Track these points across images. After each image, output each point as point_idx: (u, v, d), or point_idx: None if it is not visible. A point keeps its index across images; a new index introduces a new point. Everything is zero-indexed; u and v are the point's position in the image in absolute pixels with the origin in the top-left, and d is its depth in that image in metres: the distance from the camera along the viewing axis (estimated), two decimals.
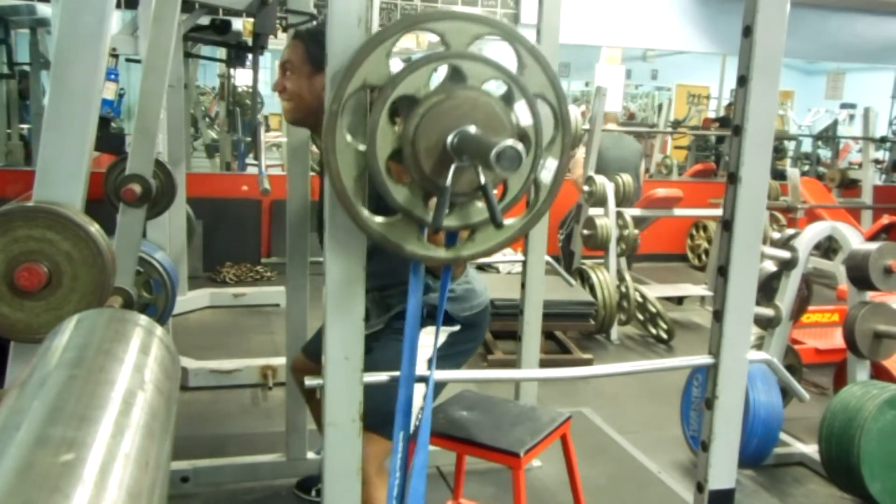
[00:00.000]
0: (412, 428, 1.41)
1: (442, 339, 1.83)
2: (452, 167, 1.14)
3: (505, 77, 1.20)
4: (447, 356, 1.85)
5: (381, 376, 1.39)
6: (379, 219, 1.23)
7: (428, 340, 1.45)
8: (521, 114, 1.21)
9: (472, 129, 1.14)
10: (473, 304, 1.95)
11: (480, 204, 1.22)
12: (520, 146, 1.04)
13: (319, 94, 1.89)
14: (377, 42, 1.17)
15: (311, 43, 1.96)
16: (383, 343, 1.86)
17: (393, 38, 1.17)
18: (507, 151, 1.03)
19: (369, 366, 1.36)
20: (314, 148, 2.80)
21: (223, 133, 7.41)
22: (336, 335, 1.31)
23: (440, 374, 1.47)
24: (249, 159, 7.51)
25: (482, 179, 1.13)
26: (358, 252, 1.29)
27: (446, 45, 1.18)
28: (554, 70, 1.25)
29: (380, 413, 1.45)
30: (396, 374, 1.36)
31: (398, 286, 1.85)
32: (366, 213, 1.22)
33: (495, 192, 1.18)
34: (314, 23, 2.60)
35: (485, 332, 2.06)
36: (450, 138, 1.14)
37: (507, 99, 1.20)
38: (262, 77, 4.27)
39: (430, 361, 1.42)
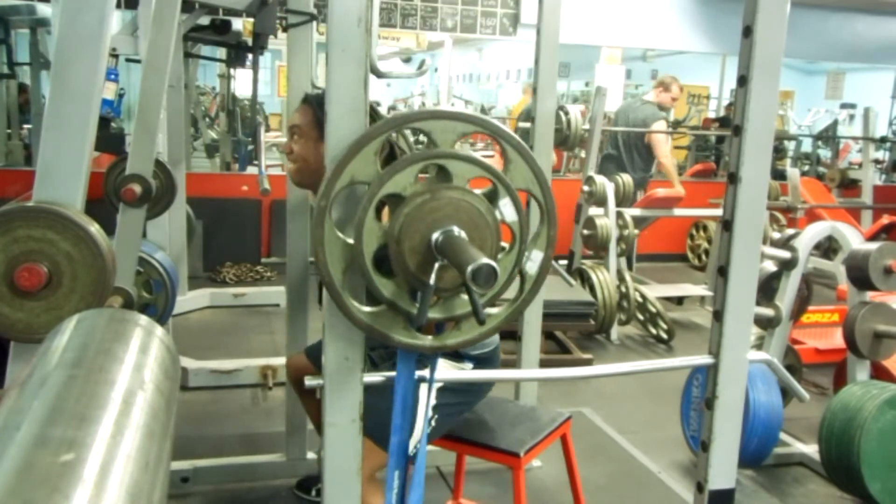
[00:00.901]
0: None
1: (453, 374, 1.85)
2: (436, 266, 1.18)
3: (490, 175, 1.24)
4: (459, 391, 1.86)
5: (383, 377, 1.39)
6: (366, 309, 1.27)
7: (442, 374, 1.51)
8: (506, 210, 1.25)
9: (455, 229, 1.17)
10: (485, 343, 1.93)
11: (465, 296, 1.26)
12: (494, 264, 1.06)
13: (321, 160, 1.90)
14: (365, 141, 1.21)
15: (320, 109, 1.97)
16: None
17: (381, 138, 1.21)
18: (482, 270, 1.06)
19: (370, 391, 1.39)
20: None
21: (223, 133, 7.41)
22: (336, 335, 1.31)
23: (444, 374, 1.48)
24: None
25: (467, 278, 1.16)
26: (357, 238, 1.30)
27: (433, 144, 1.22)
28: (539, 165, 1.29)
29: (379, 424, 1.47)
30: (392, 374, 1.37)
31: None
32: (353, 303, 1.26)
33: None
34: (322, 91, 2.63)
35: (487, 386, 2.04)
36: (434, 238, 1.17)
37: (492, 195, 1.24)
38: (261, 77, 4.27)
39: (439, 393, 1.43)
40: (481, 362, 1.93)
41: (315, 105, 2.03)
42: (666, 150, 5.30)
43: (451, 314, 1.28)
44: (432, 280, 1.18)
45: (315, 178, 2.00)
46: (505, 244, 1.27)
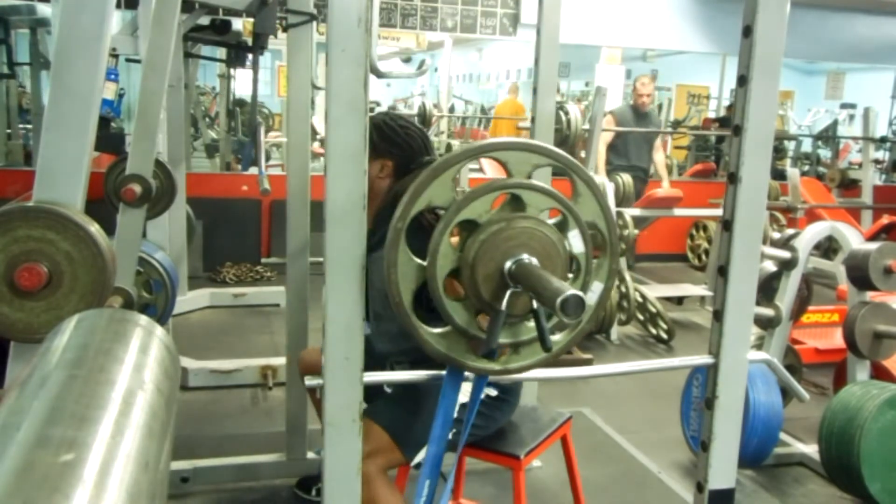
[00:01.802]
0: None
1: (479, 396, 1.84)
2: (508, 293, 1.21)
3: (561, 207, 1.27)
4: (481, 415, 1.85)
5: (383, 376, 1.40)
6: (435, 330, 1.29)
7: (466, 392, 1.51)
8: (574, 241, 1.28)
9: (526, 258, 1.20)
10: None
11: (528, 323, 1.28)
12: (582, 295, 1.09)
13: (372, 179, 1.84)
14: (444, 167, 1.23)
15: (379, 137, 1.91)
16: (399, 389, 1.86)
17: (459, 166, 1.24)
18: (571, 300, 1.08)
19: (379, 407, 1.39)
20: (315, 146, 2.80)
21: (223, 133, 7.41)
22: (336, 335, 1.31)
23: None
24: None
25: (535, 306, 1.21)
26: (360, 235, 1.30)
27: (509, 173, 1.25)
28: (606, 199, 1.33)
29: (407, 430, 1.48)
30: (395, 374, 1.37)
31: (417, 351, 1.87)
32: (419, 323, 1.28)
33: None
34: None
35: (517, 403, 2.03)
36: (507, 265, 1.20)
37: (562, 226, 1.27)
38: (261, 77, 4.27)
39: (458, 420, 1.44)
40: (506, 391, 1.93)
41: (374, 134, 1.89)
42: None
43: (516, 339, 1.31)
44: (504, 306, 1.20)
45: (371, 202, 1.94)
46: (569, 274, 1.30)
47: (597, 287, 1.34)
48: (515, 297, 1.22)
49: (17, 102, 7.15)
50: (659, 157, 5.88)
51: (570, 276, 1.31)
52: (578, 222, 1.28)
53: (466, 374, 1.40)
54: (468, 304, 1.26)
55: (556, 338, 1.34)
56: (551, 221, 1.28)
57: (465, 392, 1.49)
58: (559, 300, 1.07)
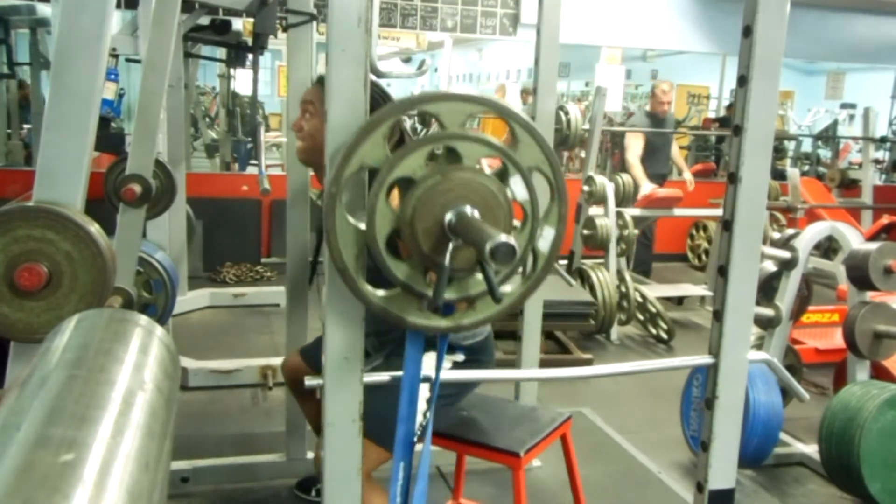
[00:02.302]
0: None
1: (446, 366, 1.82)
2: (450, 246, 1.18)
3: (499, 154, 1.24)
4: (453, 386, 1.85)
5: (383, 376, 1.39)
6: (381, 293, 1.27)
7: (429, 364, 1.47)
8: (518, 188, 1.25)
9: (468, 209, 1.17)
10: (476, 332, 1.93)
11: (479, 275, 1.26)
12: (513, 242, 1.06)
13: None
14: (374, 126, 1.21)
15: None
16: (383, 367, 1.85)
17: (389, 122, 1.22)
18: (500, 248, 1.05)
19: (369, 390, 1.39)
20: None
21: (223, 133, 7.41)
22: (336, 335, 1.31)
23: (443, 375, 1.48)
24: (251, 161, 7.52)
25: (481, 258, 1.16)
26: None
27: (441, 126, 1.22)
28: (549, 144, 1.29)
29: (380, 422, 1.46)
30: (398, 373, 1.37)
31: (398, 330, 1.85)
32: (368, 288, 1.26)
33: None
34: None
35: (489, 363, 2.03)
36: (447, 218, 1.17)
37: (503, 175, 1.24)
38: (261, 77, 4.27)
39: (429, 398, 1.43)
40: (474, 352, 1.92)
41: None
42: (630, 155, 5.42)
43: (465, 294, 1.28)
44: (447, 261, 1.18)
45: (321, 157, 1.97)
46: (517, 223, 1.26)
47: (548, 233, 1.31)
48: (458, 250, 1.19)
49: (18, 98, 7.13)
50: (675, 151, 5.95)
51: (517, 224, 1.27)
52: (519, 169, 1.24)
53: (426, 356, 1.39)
54: (413, 262, 1.23)
55: (508, 289, 1.31)
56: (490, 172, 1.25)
57: (429, 367, 1.47)
58: (488, 246, 1.05)
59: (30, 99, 6.98)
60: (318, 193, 3.26)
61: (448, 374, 1.74)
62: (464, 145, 1.21)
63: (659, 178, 5.57)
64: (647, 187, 5.20)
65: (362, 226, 1.22)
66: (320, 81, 2.09)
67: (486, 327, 1.98)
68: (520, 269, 1.33)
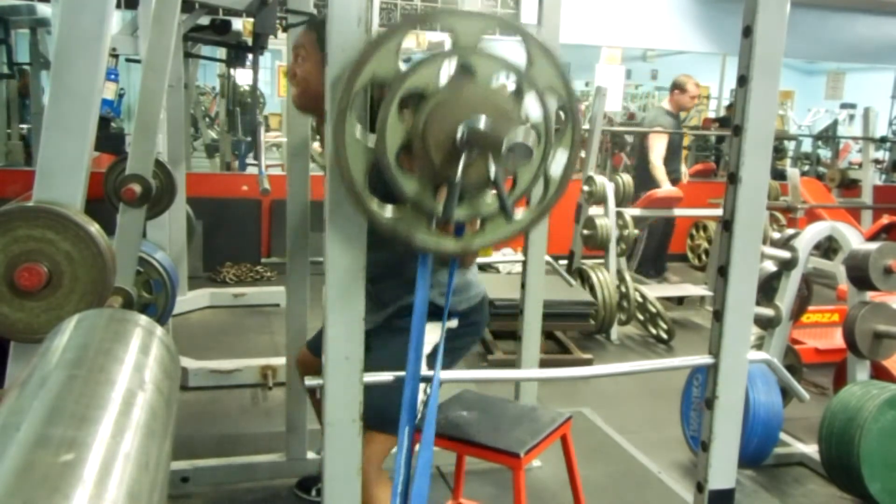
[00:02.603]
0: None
1: (434, 332, 1.81)
2: (462, 160, 1.15)
3: (514, 72, 1.21)
4: (446, 351, 1.83)
5: (385, 376, 1.39)
6: (389, 211, 1.24)
7: (429, 338, 1.45)
8: (531, 108, 1.21)
9: (482, 121, 1.14)
10: (470, 296, 1.92)
11: (490, 195, 1.23)
12: (531, 137, 1.04)
13: (318, 74, 1.87)
14: (387, 37, 1.18)
15: (325, 30, 1.93)
16: (383, 341, 1.84)
17: (402, 34, 1.19)
18: (518, 145, 1.04)
19: (370, 365, 1.36)
20: (315, 146, 2.78)
21: (223, 133, 7.41)
22: (336, 335, 1.31)
23: (443, 374, 1.47)
24: (249, 159, 7.52)
25: (493, 172, 1.14)
26: (360, 247, 1.30)
27: (456, 42, 1.19)
28: (563, 66, 1.26)
29: (381, 412, 1.45)
30: (401, 373, 1.36)
31: (392, 279, 1.84)
32: (376, 205, 1.23)
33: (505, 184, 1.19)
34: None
35: (484, 326, 2.02)
36: (459, 131, 1.14)
37: (517, 94, 1.21)
38: (261, 77, 4.27)
39: (431, 358, 1.41)
40: (467, 315, 1.90)
41: (320, 27, 1.95)
42: (654, 156, 5.33)
43: (476, 213, 1.25)
44: (459, 175, 1.15)
45: (317, 103, 1.87)
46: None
47: (561, 157, 1.28)
48: (470, 165, 1.16)
49: (18, 87, 7.12)
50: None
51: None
52: (534, 86, 1.21)
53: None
54: (423, 179, 1.20)
55: (520, 215, 1.30)
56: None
57: (430, 342, 1.45)
58: (506, 143, 1.03)
59: (29, 89, 6.97)
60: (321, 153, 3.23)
61: (449, 374, 1.73)
62: (478, 61, 1.18)
63: (672, 181, 5.50)
64: (667, 189, 5.17)
65: (372, 142, 1.19)
66: (310, 25, 2.06)
67: (479, 291, 1.96)
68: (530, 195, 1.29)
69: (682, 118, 10.01)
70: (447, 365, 1.91)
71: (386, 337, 1.85)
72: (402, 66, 1.18)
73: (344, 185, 1.22)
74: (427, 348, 1.57)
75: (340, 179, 1.22)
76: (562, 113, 1.28)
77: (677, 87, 5.46)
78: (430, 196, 1.22)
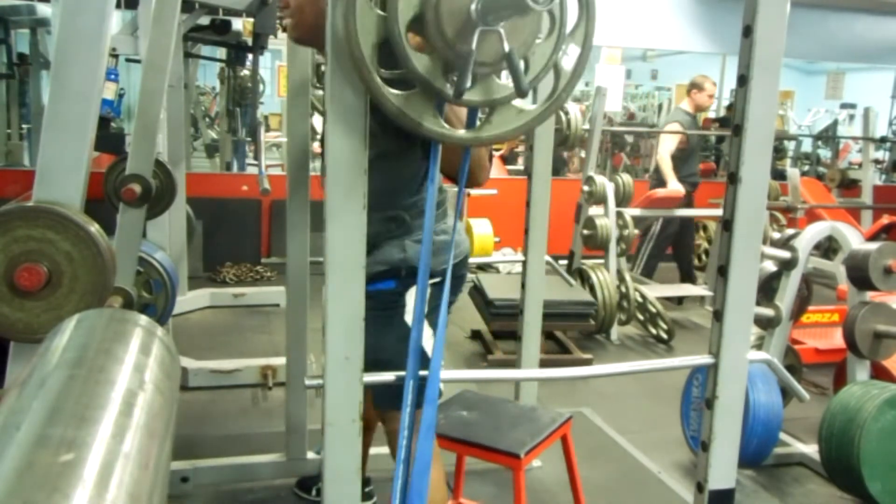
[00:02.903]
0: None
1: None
2: (477, 31, 1.11)
3: None
4: (431, 311, 1.73)
5: (387, 376, 1.39)
6: (396, 91, 1.20)
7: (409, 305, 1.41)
8: None
9: None
10: (451, 256, 1.87)
11: (501, 80, 1.20)
12: None
13: (322, 8, 1.77)
14: None
15: None
16: (375, 321, 1.75)
17: None
18: None
19: (374, 356, 1.35)
20: (315, 146, 2.77)
21: (223, 133, 7.41)
22: (336, 335, 1.31)
23: (443, 375, 1.47)
24: (249, 159, 7.52)
25: (507, 47, 1.11)
26: (359, 247, 1.29)
27: None
28: None
29: (392, 390, 1.44)
30: (402, 373, 1.36)
31: (377, 212, 1.61)
32: (382, 84, 1.18)
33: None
34: None
35: (462, 284, 1.94)
36: (474, 3, 1.11)
37: None
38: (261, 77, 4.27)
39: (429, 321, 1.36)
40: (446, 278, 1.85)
41: None
42: (662, 149, 5.32)
43: (487, 97, 1.22)
44: (474, 45, 1.10)
45: (315, 32, 1.77)
46: (541, 36, 1.21)
47: (573, 51, 1.24)
48: (485, 37, 1.11)
49: (19, 74, 7.12)
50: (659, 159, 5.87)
51: (541, 37, 1.21)
52: None
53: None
54: (435, 56, 1.16)
55: (531, 107, 1.26)
56: None
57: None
58: None
59: (28, 77, 6.98)
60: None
61: (449, 373, 1.73)
62: None
63: (690, 185, 5.40)
64: (673, 185, 5.12)
65: (383, 12, 1.14)
66: None
67: (462, 250, 1.87)
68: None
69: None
70: (431, 325, 1.78)
71: (375, 314, 1.76)
72: None
73: (352, 60, 1.16)
74: (408, 317, 1.56)
75: (348, 55, 1.16)
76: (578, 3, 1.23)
77: (695, 86, 5.40)
78: (440, 76, 1.18)
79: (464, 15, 1.12)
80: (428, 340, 1.40)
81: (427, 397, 1.30)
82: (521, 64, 1.20)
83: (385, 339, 1.66)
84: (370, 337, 1.50)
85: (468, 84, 1.14)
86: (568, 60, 1.25)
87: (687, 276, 5.70)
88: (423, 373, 1.36)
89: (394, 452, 1.45)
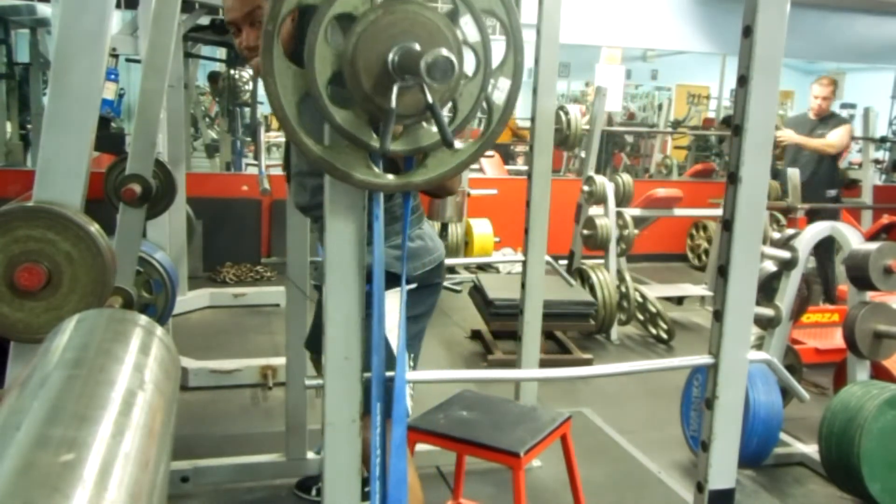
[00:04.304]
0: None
1: (395, 298, 1.69)
2: (395, 87, 1.10)
3: None
4: (409, 320, 1.73)
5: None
6: (322, 144, 1.19)
7: (392, 307, 1.41)
8: (468, 29, 1.17)
9: (416, 46, 1.09)
10: (426, 262, 1.86)
11: (431, 128, 1.19)
12: (452, 56, 1.00)
13: None
14: None
15: None
16: None
17: None
18: (437, 62, 1.00)
19: None
20: None
21: (223, 133, 7.42)
22: (336, 335, 1.31)
23: (444, 374, 1.47)
24: (248, 159, 7.52)
25: (429, 98, 1.09)
26: (360, 247, 1.29)
27: None
28: None
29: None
30: (368, 374, 1.35)
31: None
32: (308, 139, 1.18)
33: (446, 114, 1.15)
34: None
35: (439, 290, 1.95)
36: (391, 56, 1.09)
37: (453, 15, 1.16)
38: None
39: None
40: (423, 285, 1.84)
41: None
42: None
43: (416, 146, 1.20)
44: (393, 102, 1.09)
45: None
46: (469, 72, 1.19)
47: (503, 84, 1.22)
48: (405, 92, 1.10)
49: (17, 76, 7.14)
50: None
51: (469, 74, 1.19)
52: (470, 7, 1.15)
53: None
54: (358, 111, 1.15)
55: (461, 146, 1.24)
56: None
57: (389, 312, 1.40)
58: (424, 62, 0.98)
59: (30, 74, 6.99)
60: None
61: (449, 373, 1.73)
62: None
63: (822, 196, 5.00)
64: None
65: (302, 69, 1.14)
66: None
67: (437, 256, 1.89)
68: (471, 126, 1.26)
69: (682, 119, 10.01)
70: (410, 333, 1.81)
71: None
72: None
73: (277, 117, 1.16)
74: (392, 317, 1.54)
75: (276, 115, 1.16)
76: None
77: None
78: (366, 129, 1.17)
79: (381, 71, 1.10)
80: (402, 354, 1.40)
81: (394, 416, 1.29)
82: (448, 108, 1.18)
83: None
84: None
85: (389, 143, 1.13)
86: (499, 94, 1.24)
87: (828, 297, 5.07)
88: (389, 374, 1.35)
89: (366, 463, 1.44)
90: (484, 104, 1.23)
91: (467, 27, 1.16)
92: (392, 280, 1.53)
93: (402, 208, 1.58)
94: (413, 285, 1.81)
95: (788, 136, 5.03)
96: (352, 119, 1.16)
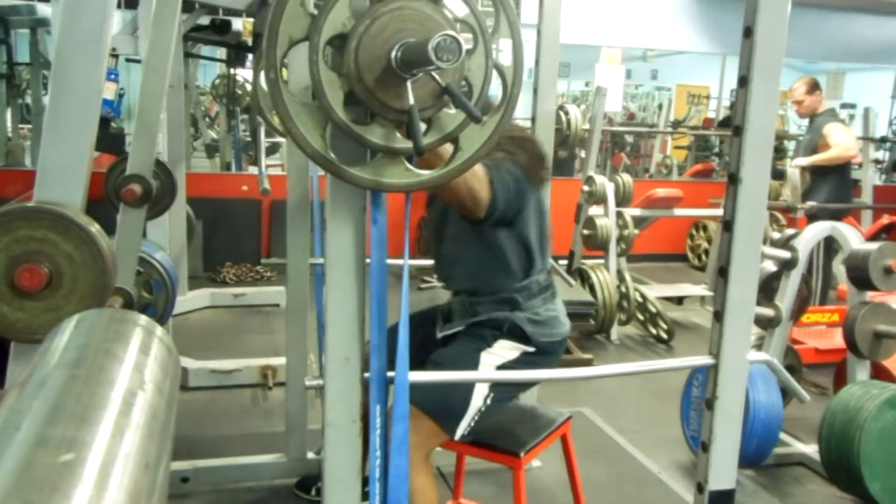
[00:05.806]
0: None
1: (514, 354, 1.86)
2: (408, 84, 1.11)
3: None
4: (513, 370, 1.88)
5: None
6: (367, 169, 1.20)
7: (504, 353, 1.66)
8: (455, 6, 1.17)
9: (412, 40, 1.09)
10: (554, 333, 1.94)
11: (451, 111, 1.19)
12: (453, 33, 1.01)
13: None
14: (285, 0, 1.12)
15: None
16: (459, 343, 1.89)
17: None
18: (443, 43, 1.00)
19: (441, 358, 1.51)
20: None
21: (223, 133, 7.41)
22: (336, 335, 1.31)
23: (444, 375, 1.48)
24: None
25: (442, 82, 1.11)
26: (360, 247, 1.29)
27: None
28: None
29: (447, 403, 1.49)
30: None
31: (488, 295, 1.90)
32: (353, 169, 1.19)
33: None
34: None
35: (553, 364, 2.00)
36: (393, 56, 1.10)
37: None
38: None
39: (500, 368, 1.63)
40: (543, 352, 1.91)
41: None
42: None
43: (445, 132, 1.21)
44: (410, 99, 1.10)
45: None
46: (468, 45, 1.18)
47: (505, 45, 1.24)
48: (418, 85, 1.11)
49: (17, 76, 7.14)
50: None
51: (469, 47, 1.18)
52: None
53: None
54: (383, 121, 1.16)
55: (486, 117, 1.24)
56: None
57: (503, 356, 1.51)
58: (431, 46, 0.98)
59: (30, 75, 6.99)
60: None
61: (449, 374, 1.73)
62: None
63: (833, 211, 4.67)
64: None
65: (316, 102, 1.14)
66: None
67: (564, 331, 1.97)
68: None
69: (682, 119, 10.01)
70: (509, 390, 1.96)
71: (464, 338, 1.89)
72: (311, 17, 1.12)
73: (309, 157, 1.17)
74: (498, 360, 1.76)
75: (310, 157, 1.17)
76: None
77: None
78: (396, 136, 1.17)
79: (390, 74, 1.11)
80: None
81: (395, 415, 1.31)
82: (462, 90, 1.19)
83: (458, 352, 1.83)
84: (453, 347, 1.80)
85: (422, 139, 1.13)
86: (504, 56, 1.24)
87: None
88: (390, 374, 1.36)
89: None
90: (494, 72, 1.23)
91: (453, 4, 1.17)
92: (522, 340, 1.82)
93: (539, 285, 1.87)
94: (532, 349, 1.90)
95: (798, 163, 4.94)
96: (381, 132, 1.17)
